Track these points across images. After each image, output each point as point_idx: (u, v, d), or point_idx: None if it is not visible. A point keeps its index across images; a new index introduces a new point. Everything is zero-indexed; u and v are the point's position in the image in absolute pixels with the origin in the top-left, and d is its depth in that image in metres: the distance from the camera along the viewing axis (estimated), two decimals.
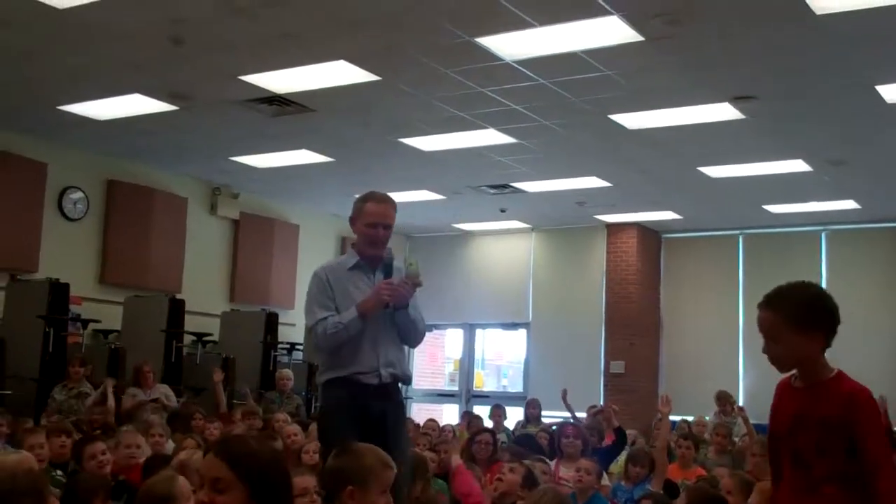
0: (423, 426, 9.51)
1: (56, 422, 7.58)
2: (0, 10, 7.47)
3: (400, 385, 5.12)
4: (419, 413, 15.04)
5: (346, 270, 5.04)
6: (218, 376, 10.01)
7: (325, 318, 4.89)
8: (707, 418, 11.55)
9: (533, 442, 8.41)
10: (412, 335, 5.16)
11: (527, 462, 6.18)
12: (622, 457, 7.97)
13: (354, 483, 3.26)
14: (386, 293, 4.85)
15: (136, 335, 11.51)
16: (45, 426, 7.20)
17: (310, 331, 5.03)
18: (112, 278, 12.23)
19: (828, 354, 3.31)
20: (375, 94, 9.19)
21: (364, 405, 4.87)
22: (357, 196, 5.11)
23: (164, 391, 10.30)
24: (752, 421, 12.19)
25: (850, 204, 13.07)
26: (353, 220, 5.09)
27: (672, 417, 9.07)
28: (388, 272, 4.95)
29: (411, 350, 17.24)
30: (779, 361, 3.32)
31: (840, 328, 3.16)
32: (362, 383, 4.88)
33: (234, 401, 10.82)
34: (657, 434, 8.28)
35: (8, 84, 9.48)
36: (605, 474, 7.01)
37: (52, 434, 6.40)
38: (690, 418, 11.03)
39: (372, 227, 4.99)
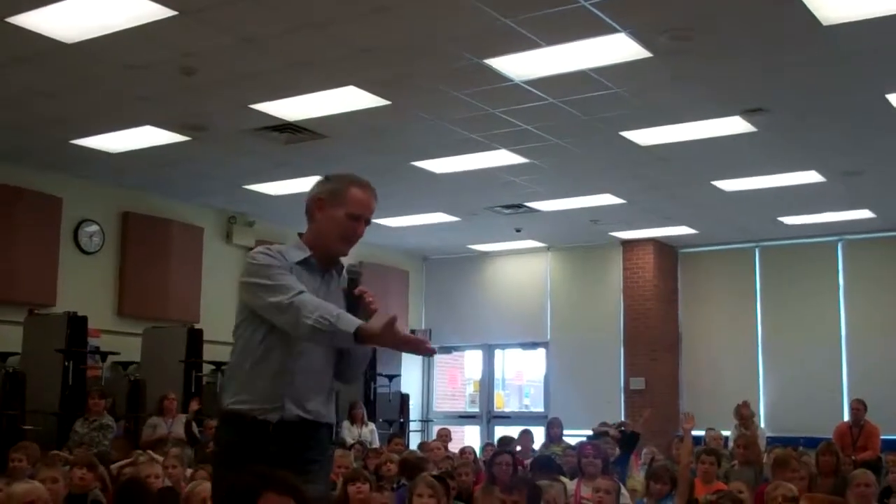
0: (434, 446, 9.61)
1: (80, 454, 7.59)
2: (10, 46, 7.53)
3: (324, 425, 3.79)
4: None
5: (294, 264, 3.72)
6: None
7: (302, 294, 3.55)
8: (726, 433, 11.52)
9: (552, 462, 8.37)
10: (358, 371, 4.06)
11: (544, 483, 6.14)
12: (640, 474, 7.94)
13: None
14: (425, 346, 3.58)
15: (156, 366, 11.53)
16: (69, 458, 7.23)
17: (278, 309, 3.54)
18: (130, 310, 12.27)
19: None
20: (386, 119, 9.22)
21: (261, 449, 3.57)
22: (327, 175, 3.88)
23: (185, 420, 10.29)
24: (772, 434, 12.15)
25: (865, 213, 13.03)
26: (321, 203, 3.79)
27: (695, 432, 9.05)
28: (353, 286, 3.77)
29: (432, 375, 17.33)
30: None
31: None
32: (259, 420, 3.60)
33: None
34: (677, 454, 8.27)
35: (21, 119, 9.55)
36: (624, 489, 6.95)
37: (74, 466, 6.43)
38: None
39: (354, 220, 3.77)
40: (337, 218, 3.76)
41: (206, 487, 5.32)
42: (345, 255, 3.84)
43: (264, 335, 3.64)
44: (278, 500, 2.55)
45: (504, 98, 8.60)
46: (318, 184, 3.85)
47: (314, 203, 3.81)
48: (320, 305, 3.49)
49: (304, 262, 3.74)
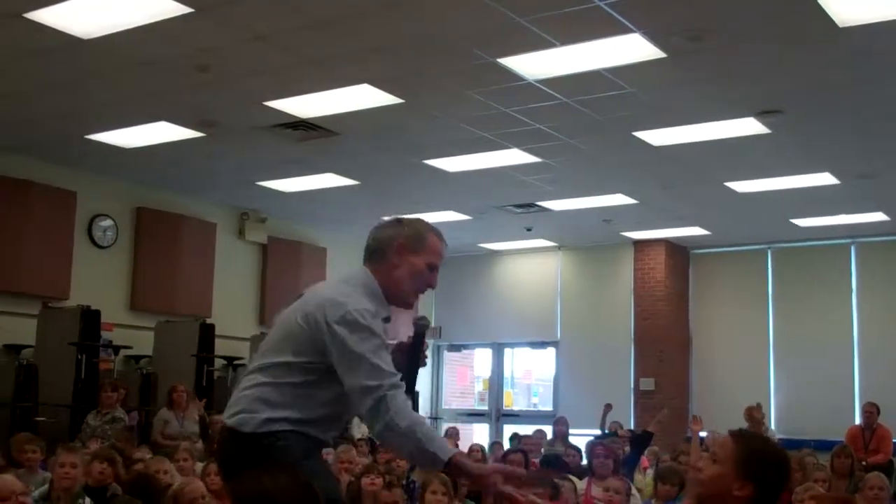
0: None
1: (100, 448, 7.60)
2: (27, 41, 7.57)
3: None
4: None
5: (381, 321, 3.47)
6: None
7: (398, 389, 3.31)
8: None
9: (560, 461, 8.38)
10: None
11: (556, 480, 6.16)
12: (649, 475, 7.94)
13: None
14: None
15: (168, 360, 11.57)
16: (91, 451, 7.25)
17: (366, 393, 3.28)
18: (142, 304, 12.32)
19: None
20: (399, 117, 9.23)
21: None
22: (398, 217, 3.72)
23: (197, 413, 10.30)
24: (782, 436, 12.10)
25: (878, 216, 12.97)
26: (402, 248, 3.59)
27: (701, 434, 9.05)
28: (421, 340, 3.71)
29: (441, 373, 17.33)
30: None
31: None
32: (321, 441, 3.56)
33: None
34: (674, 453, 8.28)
35: (36, 114, 9.59)
36: (634, 489, 6.97)
37: (94, 459, 6.46)
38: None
39: (432, 270, 3.62)
40: (417, 266, 3.57)
41: (196, 487, 5.37)
42: (410, 308, 3.67)
43: (330, 400, 3.45)
44: None
45: (517, 97, 8.60)
46: (392, 226, 3.65)
47: (395, 248, 3.57)
48: (409, 415, 3.26)
49: (385, 320, 3.51)
